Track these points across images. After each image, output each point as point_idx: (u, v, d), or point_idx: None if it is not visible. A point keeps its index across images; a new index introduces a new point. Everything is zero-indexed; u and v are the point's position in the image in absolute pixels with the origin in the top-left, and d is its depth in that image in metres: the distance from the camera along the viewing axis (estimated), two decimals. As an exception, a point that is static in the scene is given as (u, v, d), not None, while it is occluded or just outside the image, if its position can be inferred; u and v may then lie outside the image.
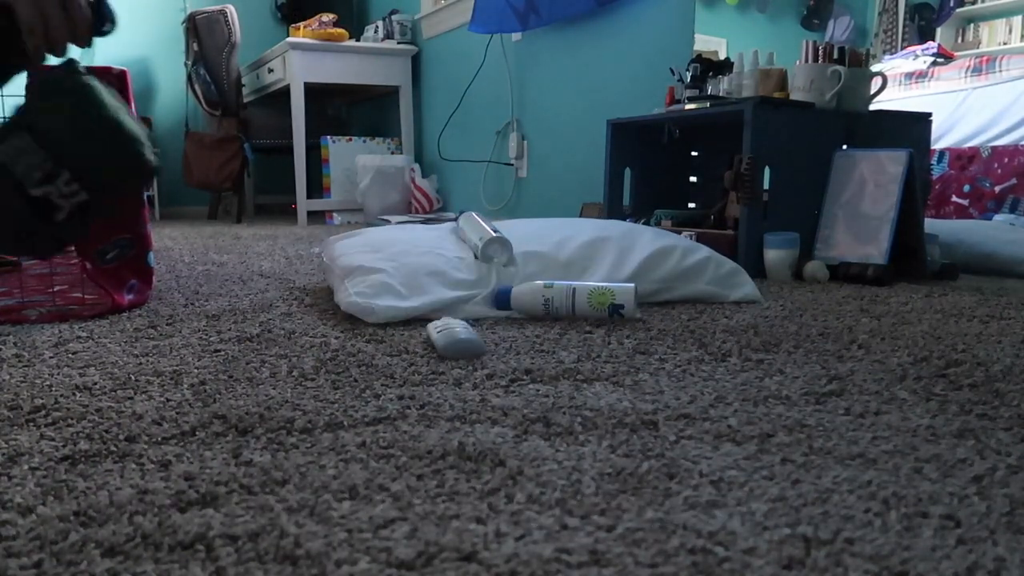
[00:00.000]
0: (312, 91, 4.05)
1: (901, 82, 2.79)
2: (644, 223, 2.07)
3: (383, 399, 0.78)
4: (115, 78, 1.26)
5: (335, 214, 4.09)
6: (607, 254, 1.37)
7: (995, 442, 0.66)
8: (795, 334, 1.11)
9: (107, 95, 1.05)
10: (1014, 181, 2.32)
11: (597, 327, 1.14)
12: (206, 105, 4.09)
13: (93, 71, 1.24)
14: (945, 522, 0.51)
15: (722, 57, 2.29)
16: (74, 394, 0.79)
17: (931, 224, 2.02)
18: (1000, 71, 2.56)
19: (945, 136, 2.59)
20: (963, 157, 2.46)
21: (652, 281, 1.36)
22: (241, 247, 2.53)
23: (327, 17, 3.95)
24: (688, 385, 0.84)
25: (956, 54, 3.15)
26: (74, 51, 1.05)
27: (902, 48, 3.06)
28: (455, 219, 1.62)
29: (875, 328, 1.16)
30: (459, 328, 0.99)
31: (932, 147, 2.21)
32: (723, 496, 0.55)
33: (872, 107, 2.00)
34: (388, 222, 3.54)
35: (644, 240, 1.41)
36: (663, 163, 2.37)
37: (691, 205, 2.41)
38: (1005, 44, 3.52)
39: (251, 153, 4.06)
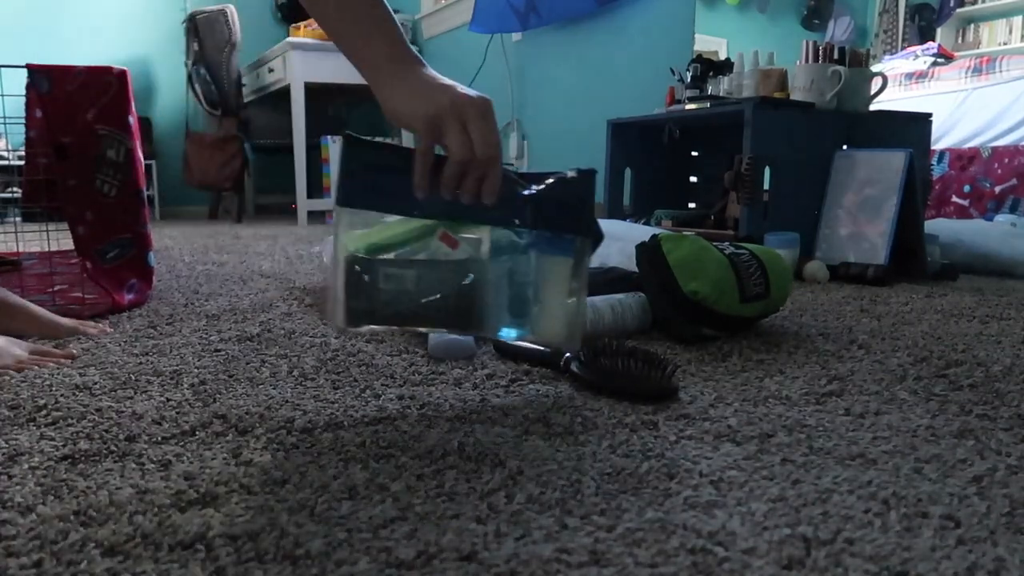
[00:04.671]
0: (312, 91, 4.05)
1: (901, 82, 2.79)
2: (644, 223, 2.07)
3: (383, 399, 0.78)
4: (115, 78, 1.27)
5: (335, 214, 4.09)
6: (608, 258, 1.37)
7: (995, 442, 0.66)
8: (795, 334, 1.11)
9: None
10: (1014, 181, 2.32)
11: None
12: (206, 105, 4.09)
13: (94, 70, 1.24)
14: (945, 522, 0.51)
15: (722, 57, 2.29)
16: (74, 394, 0.79)
17: (931, 224, 2.02)
18: (1000, 71, 2.56)
19: (945, 136, 2.59)
20: (963, 157, 2.46)
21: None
22: (241, 247, 2.53)
23: (327, 17, 3.94)
24: (688, 385, 0.84)
25: (956, 54, 3.16)
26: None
27: (902, 48, 3.06)
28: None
29: (875, 328, 1.16)
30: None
31: (932, 147, 2.21)
32: (723, 496, 0.55)
33: (872, 107, 2.00)
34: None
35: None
36: (663, 163, 2.37)
37: (691, 205, 2.41)
38: (1005, 44, 3.52)
39: (251, 153, 4.06)
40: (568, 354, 0.84)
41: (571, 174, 0.76)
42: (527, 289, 0.76)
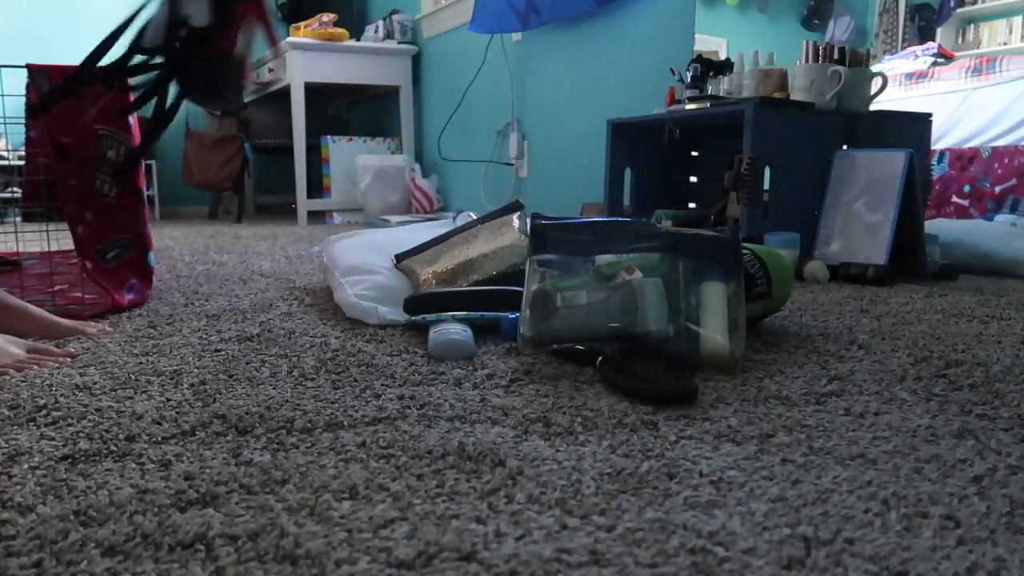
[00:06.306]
0: (312, 91, 4.05)
1: (901, 82, 2.78)
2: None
3: (383, 399, 0.78)
4: (115, 78, 1.26)
5: (335, 214, 4.09)
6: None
7: (995, 442, 0.66)
8: (795, 334, 1.11)
9: None
10: (1014, 181, 2.32)
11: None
12: (206, 105, 4.08)
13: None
14: (945, 522, 0.51)
15: (722, 57, 2.29)
16: (74, 393, 0.79)
17: (931, 224, 2.02)
18: (1000, 71, 2.56)
19: (945, 136, 2.59)
20: (963, 157, 2.46)
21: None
22: (241, 247, 2.53)
23: (327, 17, 3.95)
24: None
25: (956, 54, 3.15)
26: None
27: (902, 48, 3.06)
28: (453, 218, 1.62)
29: (875, 328, 1.16)
30: (453, 329, 0.99)
31: (932, 147, 2.21)
32: (723, 496, 0.55)
33: (872, 107, 2.00)
34: (388, 222, 3.54)
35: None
36: (663, 163, 2.37)
37: (691, 205, 2.41)
38: (1005, 44, 3.51)
39: (251, 153, 4.06)
40: (600, 357, 0.89)
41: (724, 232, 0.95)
42: (688, 309, 0.91)
